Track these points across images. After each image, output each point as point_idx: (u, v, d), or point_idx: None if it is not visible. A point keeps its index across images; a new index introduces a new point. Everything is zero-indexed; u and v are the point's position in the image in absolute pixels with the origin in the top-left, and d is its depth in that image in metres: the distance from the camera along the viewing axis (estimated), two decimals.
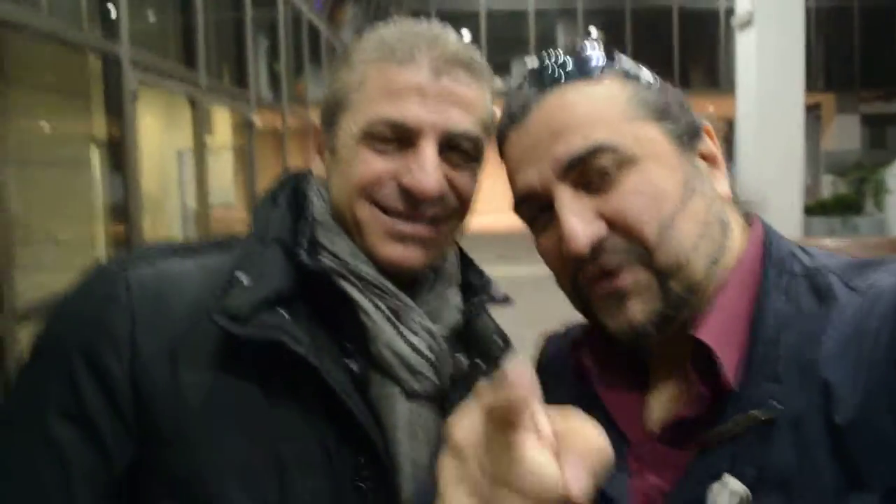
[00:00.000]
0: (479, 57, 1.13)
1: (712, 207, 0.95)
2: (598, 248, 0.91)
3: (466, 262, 1.26)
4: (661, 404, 0.99)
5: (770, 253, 0.96)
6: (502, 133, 1.02)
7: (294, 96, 12.16)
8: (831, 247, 10.13)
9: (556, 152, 0.93)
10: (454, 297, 1.19)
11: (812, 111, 23.67)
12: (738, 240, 0.98)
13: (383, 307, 1.07)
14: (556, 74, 0.98)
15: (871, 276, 0.88)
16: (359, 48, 1.13)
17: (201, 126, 7.40)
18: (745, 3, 12.20)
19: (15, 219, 4.17)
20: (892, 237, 13.50)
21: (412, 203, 1.07)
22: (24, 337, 3.93)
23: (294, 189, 1.19)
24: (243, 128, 9.27)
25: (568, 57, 0.99)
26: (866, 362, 0.79)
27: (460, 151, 1.10)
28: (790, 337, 0.87)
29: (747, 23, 12.20)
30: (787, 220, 11.57)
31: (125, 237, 5.58)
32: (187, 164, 7.78)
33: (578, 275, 0.95)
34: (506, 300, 1.24)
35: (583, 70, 0.97)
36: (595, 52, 0.99)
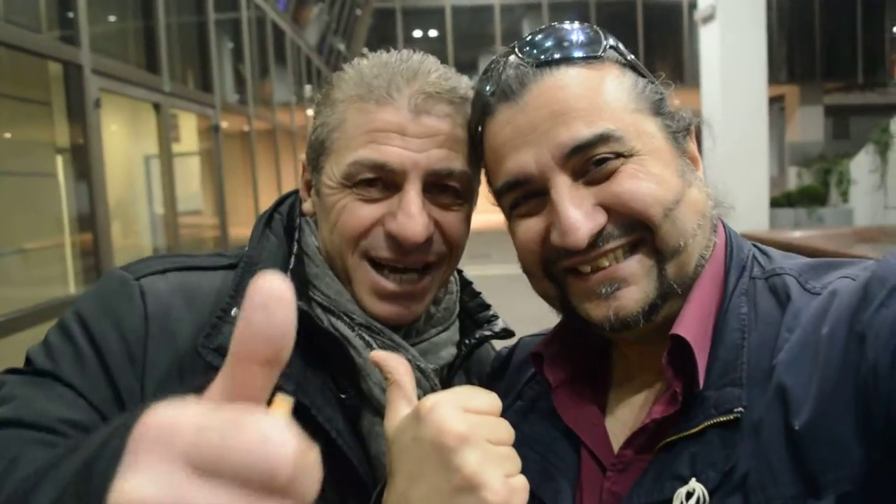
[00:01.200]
0: (462, 87, 1.09)
1: (706, 203, 0.95)
2: (595, 239, 0.90)
3: (469, 293, 1.25)
4: (624, 409, 0.99)
5: (732, 255, 0.96)
6: (488, 108, 0.97)
7: (260, 98, 12.08)
8: (798, 238, 10.26)
9: (559, 137, 0.90)
10: (451, 333, 1.17)
11: (776, 103, 23.97)
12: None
13: (373, 344, 1.06)
14: (555, 52, 0.94)
15: (826, 277, 0.89)
16: (338, 85, 1.10)
17: (166, 131, 7.32)
18: None
19: None
20: (857, 228, 13.70)
21: (399, 250, 1.05)
22: None
23: (290, 213, 1.17)
24: (209, 132, 9.18)
25: (567, 35, 0.95)
26: (821, 366, 0.79)
27: (448, 190, 1.08)
28: (753, 341, 0.87)
29: (710, 17, 12.32)
30: (754, 212, 11.71)
31: (92, 246, 5.50)
32: (154, 170, 7.69)
33: (557, 262, 0.94)
34: (506, 334, 1.22)
35: (583, 51, 0.94)
36: (594, 34, 0.96)
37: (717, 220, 1.01)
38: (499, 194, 0.99)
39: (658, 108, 0.95)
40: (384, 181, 1.05)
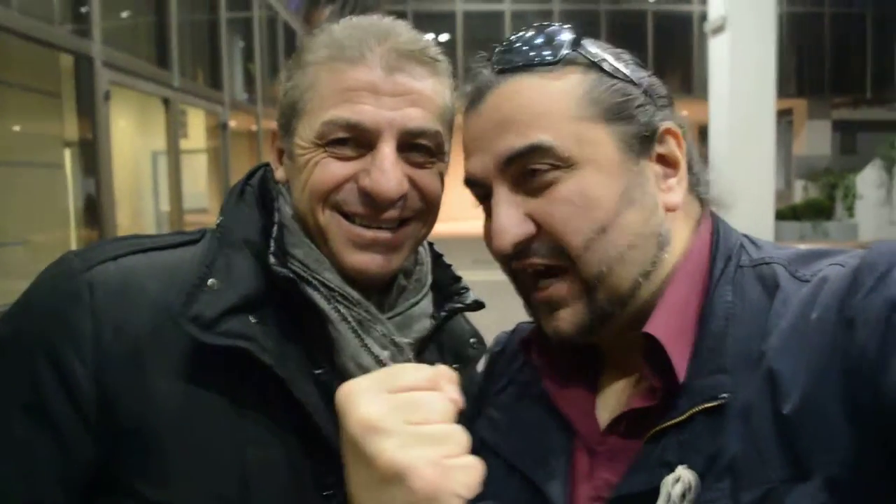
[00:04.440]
0: (433, 48, 1.10)
1: (650, 220, 0.94)
2: (524, 248, 0.93)
3: (441, 265, 1.24)
4: (613, 398, 1.00)
5: (718, 245, 0.96)
6: (464, 110, 1.02)
7: (269, 98, 12.11)
8: None
9: (497, 147, 0.93)
10: (425, 305, 1.17)
11: (784, 116, 23.97)
12: (685, 239, 0.98)
13: (349, 317, 1.06)
14: (515, 59, 0.96)
15: (816, 265, 0.89)
16: (309, 48, 1.10)
17: (175, 128, 7.34)
18: (717, 8, 12.31)
19: None
20: (862, 242, 13.69)
21: (373, 206, 1.05)
22: None
23: (262, 185, 1.17)
24: (217, 129, 9.21)
25: (532, 40, 0.97)
26: (810, 351, 0.80)
27: (421, 149, 1.08)
28: (739, 329, 0.88)
29: (720, 28, 12.31)
30: (759, 224, 11.68)
31: (98, 240, 5.52)
32: (161, 166, 7.71)
33: (510, 263, 0.96)
34: (477, 306, 1.22)
35: (542, 57, 0.95)
36: (560, 38, 0.96)
37: (704, 212, 1.02)
38: (467, 187, 1.02)
39: (616, 113, 0.93)
40: (357, 140, 1.04)
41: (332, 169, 1.05)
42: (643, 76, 0.98)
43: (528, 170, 0.92)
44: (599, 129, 0.92)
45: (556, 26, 0.98)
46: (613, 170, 0.92)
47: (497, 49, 0.99)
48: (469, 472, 0.71)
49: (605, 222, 0.90)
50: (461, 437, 0.72)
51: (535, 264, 0.94)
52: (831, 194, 17.58)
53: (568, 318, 0.94)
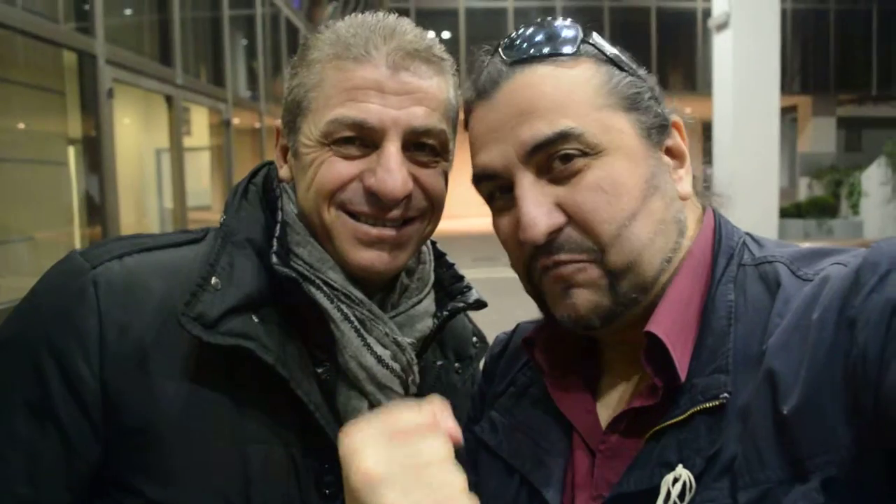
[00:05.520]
0: (438, 47, 1.10)
1: (671, 207, 0.94)
2: (553, 239, 0.91)
3: (443, 264, 1.25)
4: (614, 396, 0.99)
5: (720, 243, 0.96)
6: (469, 105, 1.00)
7: (272, 95, 12.11)
8: None
9: (522, 135, 0.91)
10: (427, 304, 1.17)
11: (788, 113, 23.89)
12: (692, 234, 0.98)
13: (351, 316, 1.06)
14: (529, 50, 0.95)
15: (818, 264, 0.89)
16: (314, 46, 1.09)
17: (178, 125, 7.34)
18: (721, 4, 12.27)
19: None
20: (866, 240, 13.65)
21: (379, 205, 1.04)
22: None
23: (265, 183, 1.17)
24: (221, 127, 9.20)
25: (543, 33, 0.96)
26: (810, 351, 0.79)
27: (426, 148, 1.08)
28: (740, 328, 0.88)
29: (723, 24, 12.26)
30: (763, 222, 11.65)
31: (102, 237, 5.53)
32: (164, 164, 7.72)
33: (532, 261, 0.94)
34: (479, 305, 1.22)
35: (557, 49, 0.94)
36: (571, 31, 0.96)
37: (706, 208, 1.01)
38: (475, 185, 1.00)
39: (633, 103, 0.94)
40: (363, 139, 1.04)
41: (338, 168, 1.05)
42: (643, 73, 0.98)
43: (556, 157, 0.90)
44: (621, 117, 0.92)
45: (560, 21, 0.98)
46: (638, 157, 0.92)
47: (503, 42, 0.98)
48: None
49: (635, 209, 0.90)
50: (459, 479, 0.74)
51: (562, 261, 0.92)
52: (836, 192, 17.55)
53: (588, 298, 0.92)
